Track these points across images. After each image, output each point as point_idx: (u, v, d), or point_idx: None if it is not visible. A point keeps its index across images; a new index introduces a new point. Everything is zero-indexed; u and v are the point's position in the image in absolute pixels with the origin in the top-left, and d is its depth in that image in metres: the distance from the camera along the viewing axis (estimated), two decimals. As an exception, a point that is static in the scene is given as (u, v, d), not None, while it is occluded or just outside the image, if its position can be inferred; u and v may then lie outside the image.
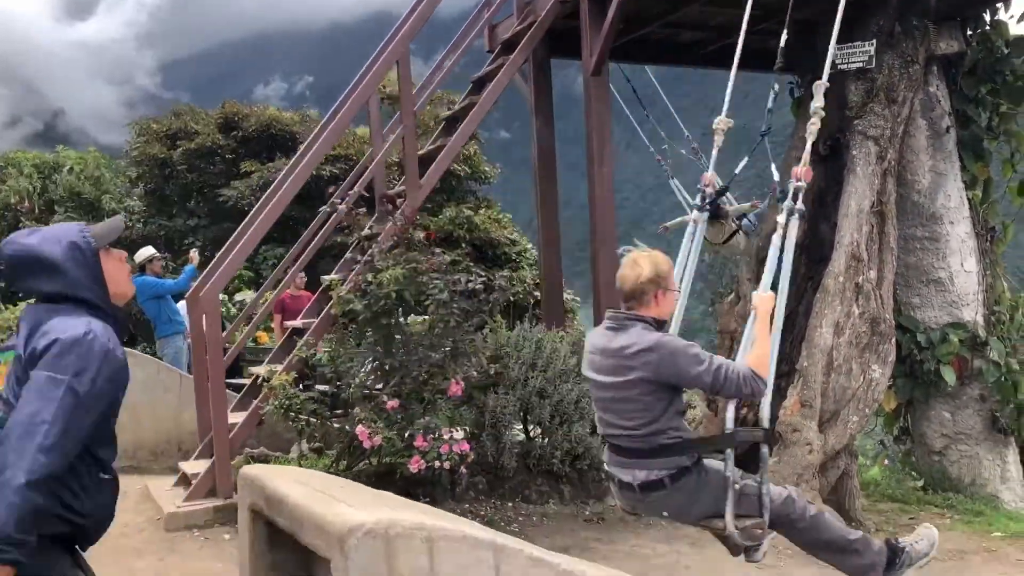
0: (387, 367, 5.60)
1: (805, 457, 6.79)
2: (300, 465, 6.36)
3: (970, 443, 8.03)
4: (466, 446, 5.58)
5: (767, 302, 3.94)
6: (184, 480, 6.11)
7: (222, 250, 6.28)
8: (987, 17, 8.04)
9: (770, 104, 5.64)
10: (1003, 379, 7.78)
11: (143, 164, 18.04)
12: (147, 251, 9.33)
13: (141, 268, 9.00)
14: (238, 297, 13.93)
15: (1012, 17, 8.13)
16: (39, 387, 2.31)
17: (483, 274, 5.99)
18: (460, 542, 2.68)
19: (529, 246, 16.28)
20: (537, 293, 13.19)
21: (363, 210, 6.11)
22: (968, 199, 7.99)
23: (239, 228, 6.36)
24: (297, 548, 3.53)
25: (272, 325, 10.72)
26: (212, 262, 6.33)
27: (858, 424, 7.17)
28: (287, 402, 5.62)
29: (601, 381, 3.73)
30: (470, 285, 5.45)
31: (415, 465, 5.39)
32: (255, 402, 5.89)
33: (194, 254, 9.57)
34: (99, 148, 21.89)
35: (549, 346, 6.26)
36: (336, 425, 5.82)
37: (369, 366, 5.70)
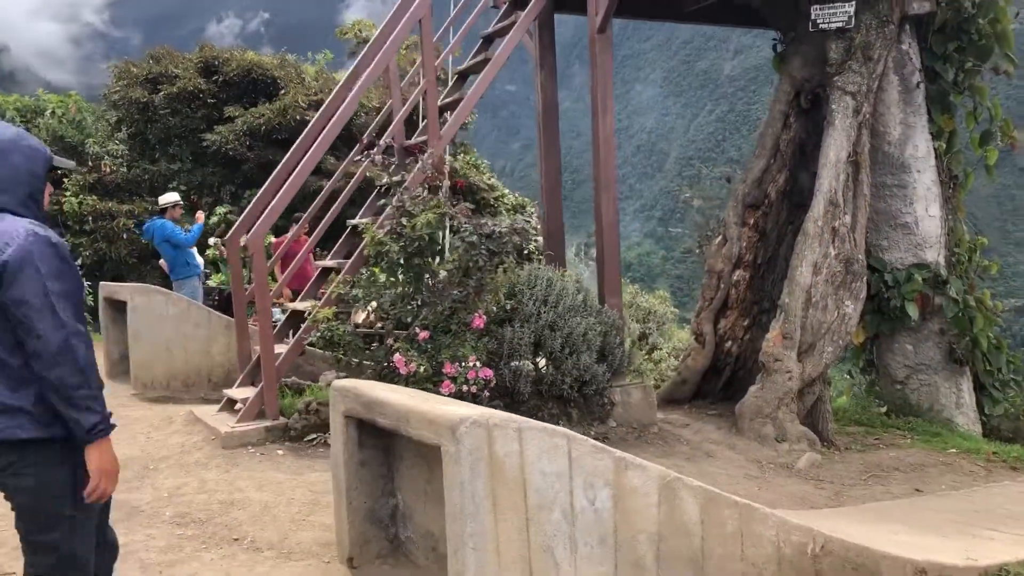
0: (419, 302, 6.20)
1: (786, 384, 7.55)
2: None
3: (929, 373, 8.84)
4: (489, 372, 6.23)
5: None
6: (229, 405, 6.69)
7: (258, 195, 6.75)
8: (956, -21, 8.63)
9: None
10: (960, 314, 8.57)
11: (123, 108, 18.12)
12: (171, 197, 9.77)
13: (162, 211, 9.43)
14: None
15: (978, -21, 8.74)
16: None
17: (505, 218, 6.55)
18: (542, 431, 3.34)
19: (507, 191, 16.80)
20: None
21: (395, 159, 6.63)
22: (934, 149, 8.69)
23: (272, 176, 6.82)
24: (380, 447, 4.18)
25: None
26: (250, 206, 6.81)
27: (832, 355, 7.93)
28: (328, 333, 6.20)
29: None
30: (495, 228, 6.03)
31: (446, 389, 6.02)
32: (299, 333, 6.46)
33: (200, 215, 10.14)
34: (46, 87, 21.70)
35: (559, 284, 6.89)
36: (370, 353, 6.41)
37: (401, 301, 6.28)
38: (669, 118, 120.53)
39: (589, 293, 7.16)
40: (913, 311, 8.50)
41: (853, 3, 8.01)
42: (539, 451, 3.31)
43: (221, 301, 10.87)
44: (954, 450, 7.63)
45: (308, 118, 15.34)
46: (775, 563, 3.90)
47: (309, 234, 10.16)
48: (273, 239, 11.15)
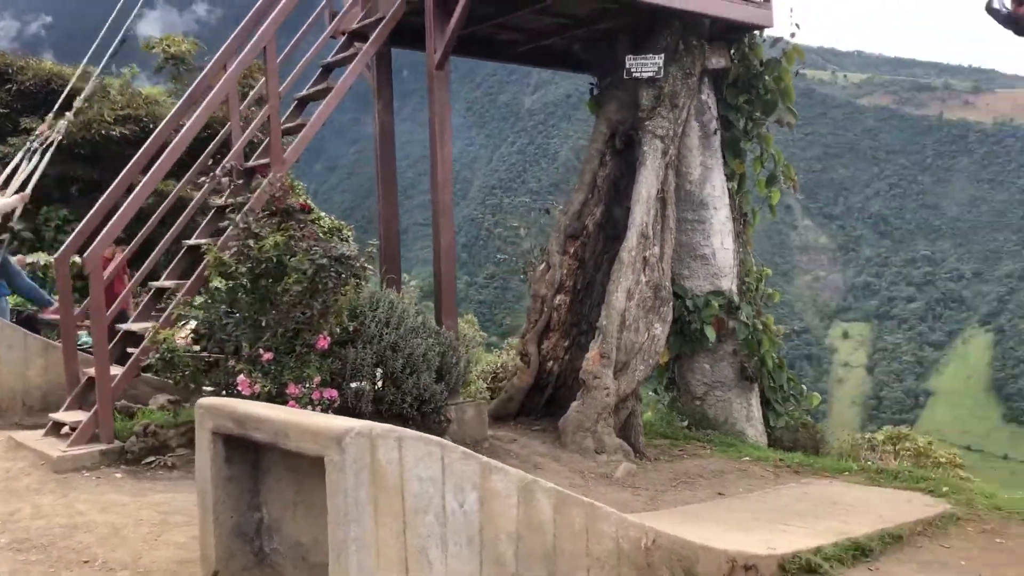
0: (263, 323, 6.28)
1: (604, 399, 8.20)
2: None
3: (724, 390, 9.84)
4: (334, 393, 6.40)
5: None
6: (55, 429, 6.43)
7: (90, 213, 6.58)
8: (747, 40, 9.76)
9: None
10: (750, 337, 9.63)
11: (-97, 113, 16.56)
12: None
13: (-33, 233, 8.85)
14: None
15: (765, 41, 9.93)
16: None
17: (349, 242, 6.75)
18: (419, 440, 3.64)
19: (323, 214, 16.82)
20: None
21: (234, 181, 6.68)
22: (728, 189, 9.75)
23: (105, 194, 6.67)
24: (248, 462, 4.32)
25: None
26: (80, 226, 6.61)
27: (644, 373, 8.69)
28: (168, 355, 6.15)
29: None
30: (344, 251, 6.25)
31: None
32: (136, 354, 6.34)
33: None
34: None
35: (400, 306, 7.17)
36: (209, 376, 6.41)
37: (244, 322, 6.33)
38: (473, 148, 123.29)
39: (427, 315, 7.49)
40: (711, 333, 9.45)
41: (662, 56, 8.89)
42: (416, 458, 3.60)
43: (19, 323, 10.28)
44: (747, 458, 8.54)
45: (113, 133, 14.78)
46: (615, 557, 4.38)
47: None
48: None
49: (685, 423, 9.98)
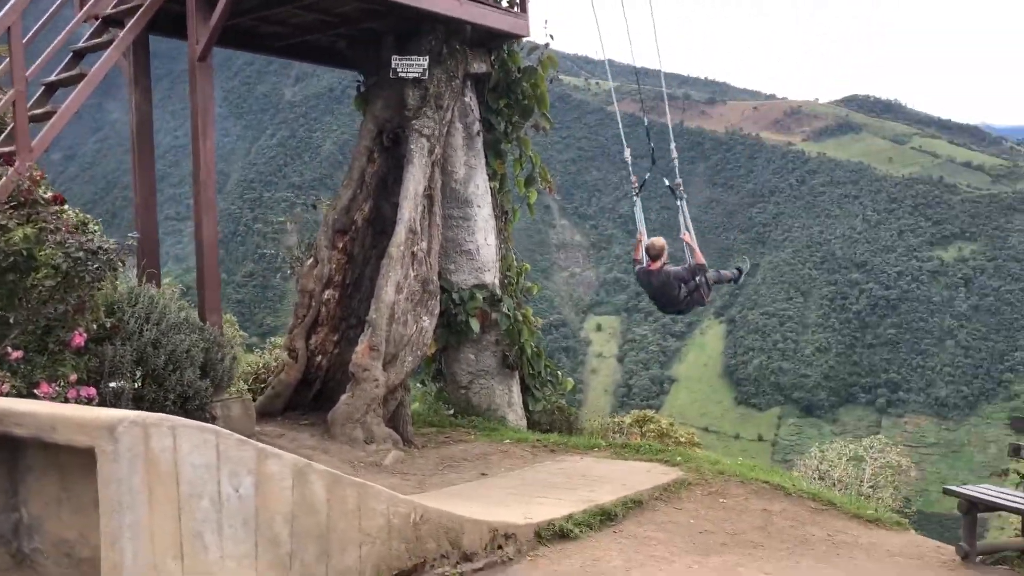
0: (11, 320, 5.93)
1: (373, 391, 8.43)
2: None
3: (487, 378, 10.36)
4: (92, 391, 6.17)
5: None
6: None
7: None
8: (506, 47, 10.33)
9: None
10: (511, 327, 10.21)
11: None
12: None
13: None
14: None
15: (522, 49, 10.55)
16: None
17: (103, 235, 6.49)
18: (193, 428, 3.73)
19: (67, 207, 15.74)
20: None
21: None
22: (491, 188, 10.27)
23: None
24: (3, 462, 4.18)
25: None
26: None
27: (412, 364, 9.01)
28: (-102, 356, 5.66)
29: None
30: (102, 244, 6.03)
31: (44, 409, 5.86)
32: None
33: None
34: None
35: (161, 302, 7.00)
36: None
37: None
38: (230, 140, 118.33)
39: (190, 311, 7.36)
40: (475, 325, 9.94)
41: (427, 58, 9.24)
42: (191, 446, 3.68)
43: None
44: (508, 441, 9.09)
45: None
46: (386, 532, 4.65)
47: None
48: None
49: (451, 411, 10.40)
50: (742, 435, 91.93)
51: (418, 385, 11.89)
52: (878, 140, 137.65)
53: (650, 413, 15.31)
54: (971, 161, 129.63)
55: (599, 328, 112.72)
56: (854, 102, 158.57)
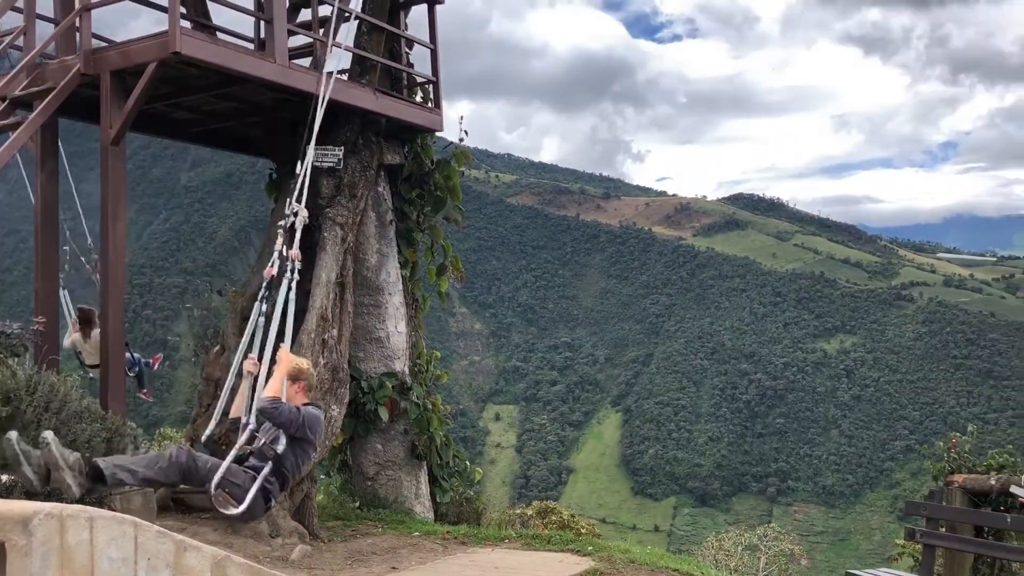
0: None
1: (280, 482, 8.18)
2: None
3: (395, 469, 10.21)
4: (-18, 484, 5.84)
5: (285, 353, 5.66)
6: None
7: None
8: (420, 140, 10.56)
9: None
10: (421, 416, 10.15)
11: None
12: None
13: None
14: None
15: (435, 143, 10.81)
16: None
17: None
18: (111, 520, 3.60)
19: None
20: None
21: None
22: (402, 276, 10.33)
23: None
24: None
25: None
26: None
27: (319, 455, 8.81)
28: None
29: None
30: (4, 329, 5.80)
31: (-70, 504, 5.50)
32: None
33: None
34: None
35: (62, 390, 6.72)
36: None
37: None
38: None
39: (92, 400, 7.09)
40: (384, 414, 9.84)
41: (342, 148, 9.36)
42: (108, 539, 3.54)
43: None
44: (417, 533, 8.94)
45: None
46: (305, 628, 4.51)
47: None
48: None
49: (357, 504, 10.17)
50: (639, 526, 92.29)
51: (321, 477, 11.62)
52: (763, 236, 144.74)
53: (552, 504, 15.36)
54: (849, 258, 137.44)
55: (498, 417, 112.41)
56: (739, 200, 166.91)
